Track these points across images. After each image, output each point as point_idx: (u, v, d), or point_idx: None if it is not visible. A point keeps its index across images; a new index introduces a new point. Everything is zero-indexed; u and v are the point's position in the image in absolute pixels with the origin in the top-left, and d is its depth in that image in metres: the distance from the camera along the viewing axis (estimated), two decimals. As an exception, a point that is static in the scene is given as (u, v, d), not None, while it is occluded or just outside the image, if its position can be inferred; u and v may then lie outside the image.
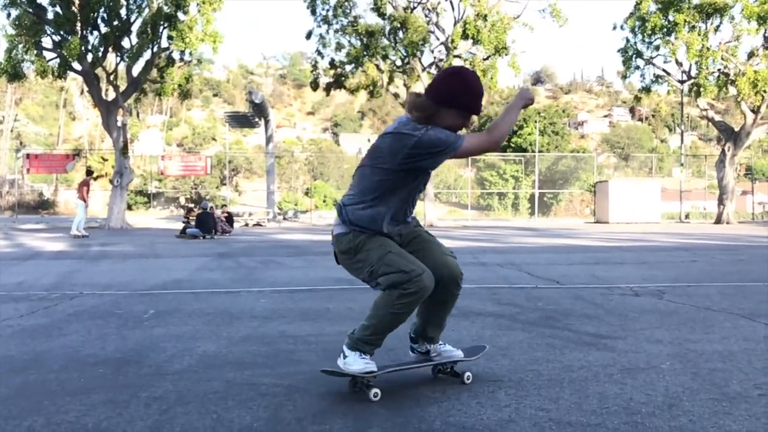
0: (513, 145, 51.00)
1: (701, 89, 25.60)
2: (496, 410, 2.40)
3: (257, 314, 4.55)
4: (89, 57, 21.16)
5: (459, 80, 2.58)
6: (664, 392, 2.62)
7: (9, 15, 20.36)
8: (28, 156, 29.20)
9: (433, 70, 25.33)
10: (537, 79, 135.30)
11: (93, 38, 21.67)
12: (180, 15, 21.25)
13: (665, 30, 26.10)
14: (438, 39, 25.17)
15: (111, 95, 22.71)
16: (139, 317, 4.44)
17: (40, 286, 6.11)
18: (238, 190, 51.93)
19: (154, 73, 22.67)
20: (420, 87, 25.42)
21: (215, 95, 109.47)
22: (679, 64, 27.36)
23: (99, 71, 22.19)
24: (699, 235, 16.67)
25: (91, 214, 20.28)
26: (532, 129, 51.20)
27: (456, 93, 2.56)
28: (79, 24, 20.84)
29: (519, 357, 3.24)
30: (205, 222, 15.86)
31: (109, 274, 7.45)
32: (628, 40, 27.68)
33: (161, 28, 21.31)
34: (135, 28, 21.86)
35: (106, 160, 43.42)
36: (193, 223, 16.35)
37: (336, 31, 25.42)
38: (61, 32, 20.77)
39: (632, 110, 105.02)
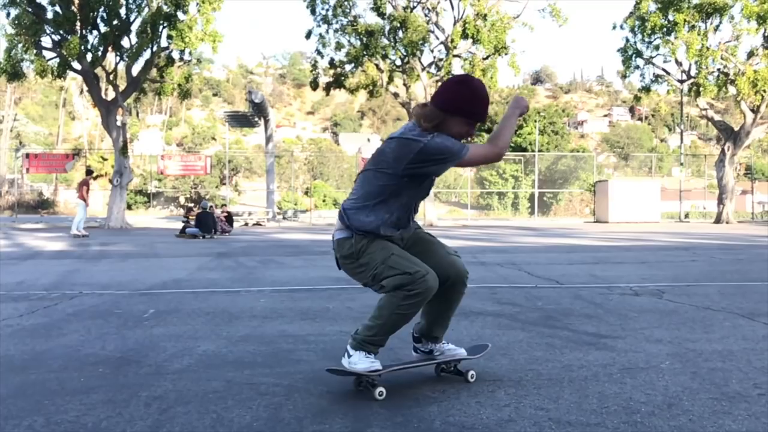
0: (513, 145, 50.93)
1: (701, 89, 25.58)
2: (495, 410, 2.40)
3: (257, 314, 4.56)
4: (89, 56, 21.15)
5: (466, 88, 2.59)
6: (664, 392, 2.62)
7: (8, 14, 20.35)
8: (27, 155, 29.19)
9: (433, 70, 25.33)
10: (537, 79, 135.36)
11: (92, 38, 21.65)
12: (180, 14, 21.23)
13: (665, 30, 26.08)
14: (438, 38, 25.16)
15: (110, 95, 22.70)
16: (139, 317, 4.44)
17: (40, 286, 6.10)
18: (237, 189, 51.89)
19: (154, 72, 22.66)
20: (419, 86, 25.45)
21: (215, 95, 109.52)
22: (678, 63, 27.35)
23: (98, 71, 22.17)
24: (699, 235, 16.67)
25: (91, 213, 20.26)
26: (531, 128, 51.18)
27: (463, 100, 2.56)
28: (78, 23, 20.82)
29: (519, 356, 3.24)
30: (205, 221, 15.85)
31: (109, 274, 7.45)
32: (627, 40, 27.67)
33: (161, 27, 21.29)
34: (135, 27, 21.84)
35: (106, 159, 43.39)
36: (192, 222, 16.34)
37: (336, 31, 25.41)
38: (61, 32, 20.76)
39: (632, 110, 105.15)
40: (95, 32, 21.60)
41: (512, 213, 47.76)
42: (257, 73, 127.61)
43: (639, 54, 27.53)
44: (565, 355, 3.26)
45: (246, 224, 25.36)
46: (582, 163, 49.67)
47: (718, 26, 25.93)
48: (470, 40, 23.60)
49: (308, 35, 25.91)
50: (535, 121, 51.79)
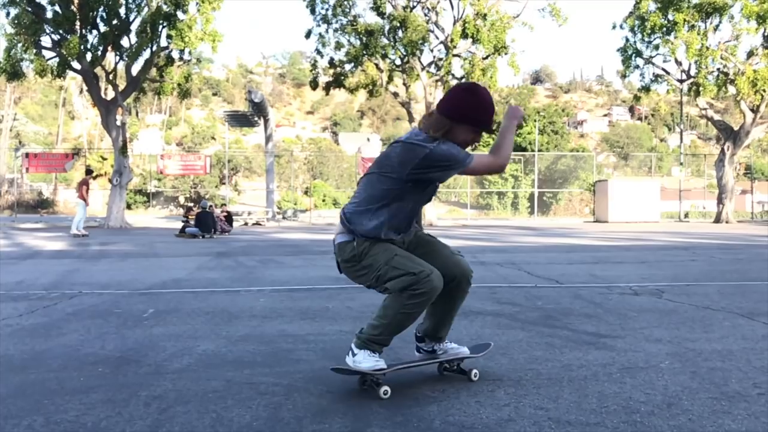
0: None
1: (701, 88, 25.58)
2: (495, 409, 2.40)
3: (256, 313, 4.56)
4: (88, 56, 21.14)
5: (472, 96, 2.61)
6: (664, 391, 2.62)
7: (8, 14, 20.34)
8: (27, 155, 29.17)
9: (433, 69, 25.33)
10: (536, 79, 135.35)
11: (92, 37, 21.64)
12: (179, 14, 21.22)
13: (665, 29, 26.07)
14: (437, 38, 25.15)
15: (110, 94, 22.69)
16: (139, 316, 4.44)
17: (40, 286, 6.10)
18: (237, 189, 51.89)
19: (154, 72, 22.66)
20: (419, 86, 25.45)
21: (214, 94, 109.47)
22: (678, 63, 27.34)
23: (98, 70, 22.17)
24: (698, 235, 16.68)
25: (90, 213, 20.26)
26: (531, 128, 51.19)
27: (469, 108, 2.58)
28: (78, 23, 20.81)
29: (518, 356, 3.24)
30: (205, 221, 15.85)
31: (109, 274, 7.45)
32: (627, 40, 27.66)
33: (160, 27, 21.28)
34: (134, 27, 21.84)
35: (106, 159, 43.38)
36: (192, 222, 16.34)
37: (335, 30, 25.40)
38: (60, 31, 20.74)
39: (631, 109, 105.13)
40: (95, 32, 21.59)
41: (512, 213, 47.76)
42: (257, 73, 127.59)
43: (639, 54, 27.53)
44: (565, 355, 3.26)
45: (245, 224, 25.36)
46: (582, 162, 49.68)
47: (717, 26, 25.93)
48: (470, 40, 23.59)
49: (308, 35, 25.91)
50: (535, 121, 51.79)
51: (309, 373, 2.92)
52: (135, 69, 22.16)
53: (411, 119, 25.66)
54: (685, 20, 25.19)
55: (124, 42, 22.10)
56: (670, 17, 25.69)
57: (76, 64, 21.16)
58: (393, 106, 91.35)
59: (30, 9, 20.06)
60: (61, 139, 71.16)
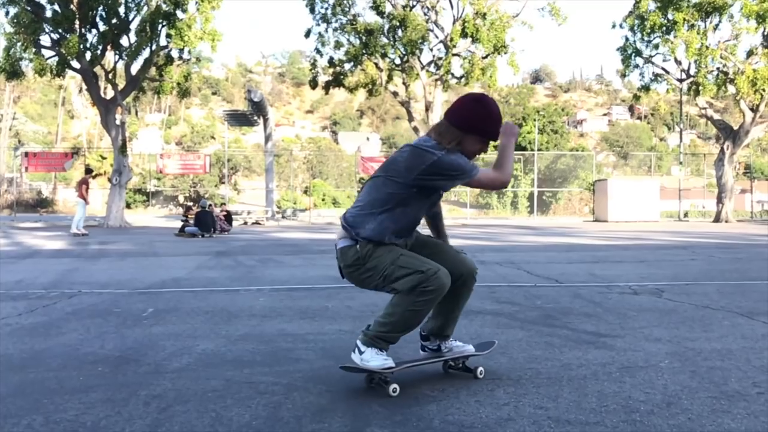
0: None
1: (700, 88, 25.59)
2: (495, 408, 2.40)
3: (256, 313, 4.55)
4: (88, 55, 21.13)
5: (482, 107, 2.63)
6: (663, 390, 2.62)
7: (7, 13, 20.32)
8: (26, 154, 29.15)
9: (432, 69, 25.33)
10: (536, 78, 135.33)
11: (91, 36, 21.63)
12: (179, 13, 21.23)
13: (664, 28, 26.08)
14: (437, 37, 25.17)
15: (110, 93, 22.69)
16: (138, 316, 4.43)
17: (39, 285, 6.10)
18: (236, 188, 51.88)
19: (153, 71, 22.66)
20: (419, 85, 25.46)
21: (214, 93, 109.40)
22: (678, 62, 27.34)
23: (98, 69, 22.16)
24: (698, 234, 16.69)
25: (90, 212, 20.25)
26: (531, 127, 51.20)
27: (479, 119, 2.62)
28: (77, 22, 20.80)
29: (518, 355, 3.24)
30: (204, 220, 15.85)
31: (108, 273, 7.45)
32: (627, 39, 27.67)
33: (160, 26, 21.28)
34: (134, 26, 21.85)
35: (105, 158, 43.33)
36: (191, 221, 16.34)
37: (335, 30, 25.42)
38: (60, 30, 20.73)
39: (631, 109, 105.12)
40: (94, 31, 21.59)
41: (511, 212, 47.76)
42: (256, 72, 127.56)
43: (638, 53, 27.54)
44: (565, 354, 3.26)
45: (245, 223, 25.36)
46: (581, 162, 49.69)
47: (717, 25, 25.94)
48: (469, 39, 23.61)
49: (307, 34, 25.91)
50: (535, 120, 51.78)
51: (308, 373, 2.92)
52: (134, 68, 22.16)
53: (411, 118, 25.68)
54: (684, 19, 25.19)
55: (124, 41, 22.12)
56: (669, 16, 25.69)
57: (75, 63, 21.15)
58: (392, 106, 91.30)
59: (29, 8, 20.05)
60: (61, 138, 71.10)
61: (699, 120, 72.52)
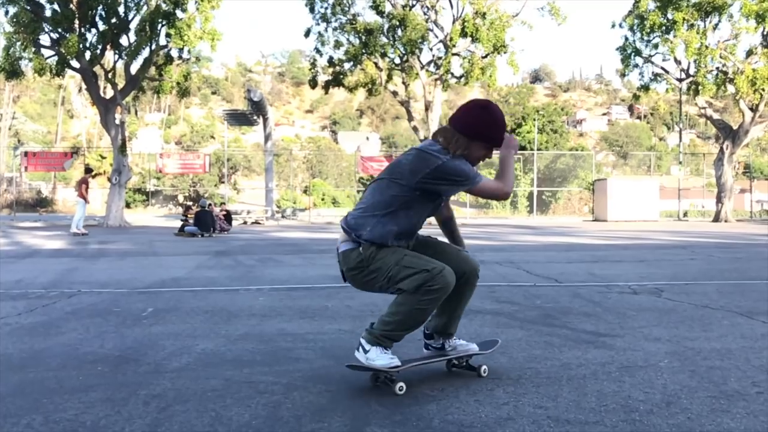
0: (512, 143, 50.76)
1: (700, 87, 25.60)
2: (494, 408, 2.40)
3: (256, 312, 4.55)
4: (87, 55, 21.12)
5: (488, 114, 2.66)
6: (663, 390, 2.62)
7: (7, 12, 20.32)
8: (26, 154, 29.14)
9: (432, 68, 25.33)
10: (536, 77, 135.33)
11: (91, 36, 21.63)
12: (178, 13, 21.22)
13: (664, 28, 26.09)
14: (437, 37, 25.17)
15: (109, 93, 22.69)
16: (138, 315, 4.43)
17: (39, 284, 6.10)
18: (236, 188, 51.88)
19: (153, 70, 22.65)
20: (418, 85, 25.46)
21: (214, 93, 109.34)
22: (677, 62, 27.35)
23: (97, 69, 22.15)
24: (697, 233, 16.69)
25: (90, 212, 20.23)
26: (530, 127, 51.20)
27: (484, 125, 2.64)
28: (77, 21, 20.79)
29: (517, 355, 3.24)
30: (204, 220, 15.84)
31: (108, 272, 7.45)
32: (626, 39, 27.68)
33: (160, 25, 21.28)
34: (133, 25, 21.84)
35: (105, 158, 43.31)
36: (191, 221, 16.33)
37: (334, 29, 25.42)
38: (59, 30, 20.73)
39: (631, 108, 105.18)
40: (94, 30, 21.58)
41: (511, 211, 47.74)
42: (256, 72, 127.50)
43: (638, 52, 27.55)
44: (564, 354, 3.26)
45: (245, 223, 25.35)
46: (581, 161, 49.68)
47: (717, 25, 25.95)
48: (469, 39, 23.61)
49: (307, 33, 25.91)
50: (534, 120, 51.77)
51: (308, 372, 2.92)
52: (134, 67, 22.16)
53: (410, 118, 25.68)
54: (684, 19, 25.20)
55: (123, 40, 22.12)
56: (669, 16, 25.70)
57: (75, 63, 21.15)
58: (392, 105, 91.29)
59: (29, 7, 20.04)
60: (60, 137, 71.06)
61: (698, 120, 72.53)
